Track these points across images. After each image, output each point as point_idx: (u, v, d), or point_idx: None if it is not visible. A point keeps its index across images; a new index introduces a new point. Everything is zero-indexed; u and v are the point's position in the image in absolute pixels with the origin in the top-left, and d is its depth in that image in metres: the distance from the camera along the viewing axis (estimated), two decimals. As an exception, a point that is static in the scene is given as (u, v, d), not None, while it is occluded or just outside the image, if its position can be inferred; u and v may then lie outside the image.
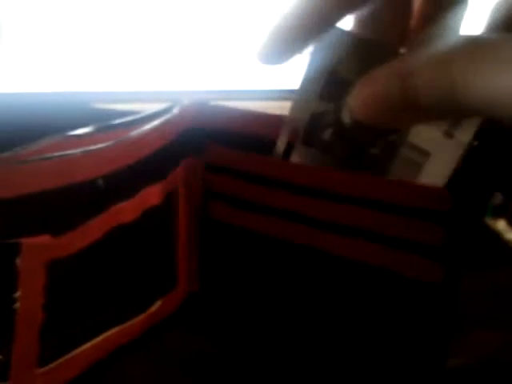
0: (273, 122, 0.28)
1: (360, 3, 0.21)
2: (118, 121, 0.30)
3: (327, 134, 0.25)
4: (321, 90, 0.24)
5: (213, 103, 0.32)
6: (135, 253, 0.31)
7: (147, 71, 0.54)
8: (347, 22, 0.22)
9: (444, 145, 0.25)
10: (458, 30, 0.23)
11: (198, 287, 0.34)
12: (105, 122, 0.29)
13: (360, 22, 0.23)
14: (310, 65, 0.24)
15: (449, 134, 0.25)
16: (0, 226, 0.24)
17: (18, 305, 0.25)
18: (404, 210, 0.27)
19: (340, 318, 0.30)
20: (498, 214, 0.45)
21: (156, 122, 0.30)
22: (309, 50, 0.23)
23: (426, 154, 0.25)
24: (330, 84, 0.24)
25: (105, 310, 0.29)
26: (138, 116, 0.31)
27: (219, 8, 0.53)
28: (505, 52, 0.16)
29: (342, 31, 0.23)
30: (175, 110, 0.31)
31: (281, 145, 0.27)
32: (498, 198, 0.44)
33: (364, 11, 0.22)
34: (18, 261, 0.25)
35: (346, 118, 0.24)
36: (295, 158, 0.27)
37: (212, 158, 0.32)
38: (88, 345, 0.28)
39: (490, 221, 0.45)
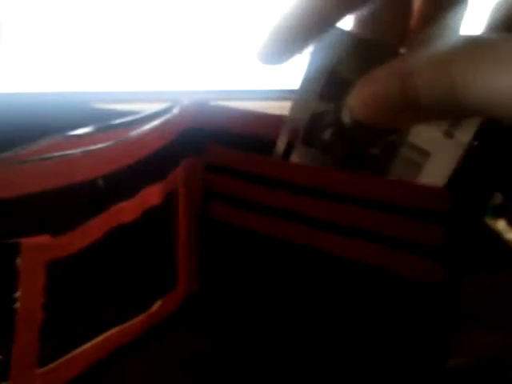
0: (273, 122, 0.28)
1: (360, 3, 0.21)
2: (117, 121, 0.30)
3: (327, 134, 0.25)
4: (321, 89, 0.24)
5: (213, 103, 0.32)
6: (135, 253, 0.31)
7: (147, 71, 0.54)
8: (347, 22, 0.22)
9: (444, 145, 0.25)
10: (458, 30, 0.23)
11: (198, 287, 0.34)
12: (105, 122, 0.29)
13: (360, 22, 0.23)
14: (309, 65, 0.24)
15: (449, 134, 0.25)
16: (0, 225, 0.24)
17: (18, 305, 0.25)
18: (404, 210, 0.27)
19: (340, 318, 0.30)
20: (498, 214, 0.45)
21: (156, 122, 0.30)
22: (309, 50, 0.23)
23: (426, 154, 0.25)
24: (330, 84, 0.24)
25: (105, 309, 0.29)
26: (137, 116, 0.31)
27: (219, 8, 0.53)
28: (505, 52, 0.16)
29: (342, 31, 0.23)
30: (175, 110, 0.31)
31: (281, 145, 0.27)
32: (498, 198, 0.44)
33: (364, 11, 0.22)
34: (18, 261, 0.25)
35: (346, 118, 0.24)
36: (295, 158, 0.27)
37: (212, 158, 0.32)
38: (88, 345, 0.28)
39: (490, 221, 0.45)
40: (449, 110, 0.17)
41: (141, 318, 0.31)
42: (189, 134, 0.32)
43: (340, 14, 0.21)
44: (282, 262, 0.31)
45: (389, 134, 0.25)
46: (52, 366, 0.27)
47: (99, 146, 0.27)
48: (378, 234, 0.28)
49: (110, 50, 0.53)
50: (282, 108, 0.26)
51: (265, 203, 0.30)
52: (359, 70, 0.21)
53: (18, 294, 0.25)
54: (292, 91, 0.25)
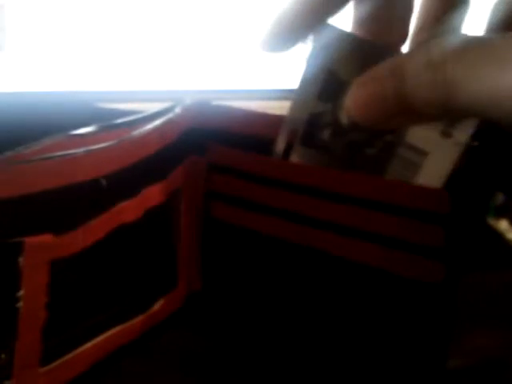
0: (273, 122, 0.28)
1: None
2: (120, 120, 0.30)
3: (326, 135, 0.25)
4: (319, 90, 0.24)
5: (214, 103, 0.32)
6: (137, 252, 0.31)
7: (149, 71, 0.54)
8: (347, 22, 0.23)
9: (442, 144, 0.25)
10: (458, 30, 0.23)
11: (200, 286, 0.34)
12: (107, 122, 0.30)
13: (359, 22, 0.23)
14: (308, 65, 0.24)
15: (447, 134, 0.25)
16: (3, 225, 0.24)
17: (20, 304, 0.25)
18: (403, 211, 0.27)
19: (340, 318, 0.30)
20: (500, 214, 0.45)
21: (158, 122, 0.30)
22: (309, 50, 0.23)
23: (423, 153, 0.25)
24: (329, 84, 0.24)
25: (106, 309, 0.29)
26: (140, 115, 0.31)
27: (220, 8, 0.53)
28: (504, 52, 0.16)
29: (341, 32, 0.23)
30: (177, 110, 0.31)
31: (280, 145, 0.27)
32: (500, 199, 0.44)
33: (364, 11, 0.22)
34: (21, 260, 0.25)
35: (344, 118, 0.24)
36: (294, 158, 0.27)
37: (213, 157, 0.32)
38: (89, 344, 0.28)
39: (492, 221, 0.44)
40: (444, 112, 0.17)
41: (142, 317, 0.31)
42: (191, 133, 0.32)
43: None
44: (282, 261, 0.31)
45: (386, 134, 0.25)
46: (54, 365, 0.27)
47: (102, 145, 0.27)
48: (378, 234, 0.28)
49: (112, 49, 0.53)
50: (282, 108, 0.26)
51: (265, 203, 0.30)
52: (357, 70, 0.21)
53: (20, 293, 0.25)
54: (292, 91, 0.25)
